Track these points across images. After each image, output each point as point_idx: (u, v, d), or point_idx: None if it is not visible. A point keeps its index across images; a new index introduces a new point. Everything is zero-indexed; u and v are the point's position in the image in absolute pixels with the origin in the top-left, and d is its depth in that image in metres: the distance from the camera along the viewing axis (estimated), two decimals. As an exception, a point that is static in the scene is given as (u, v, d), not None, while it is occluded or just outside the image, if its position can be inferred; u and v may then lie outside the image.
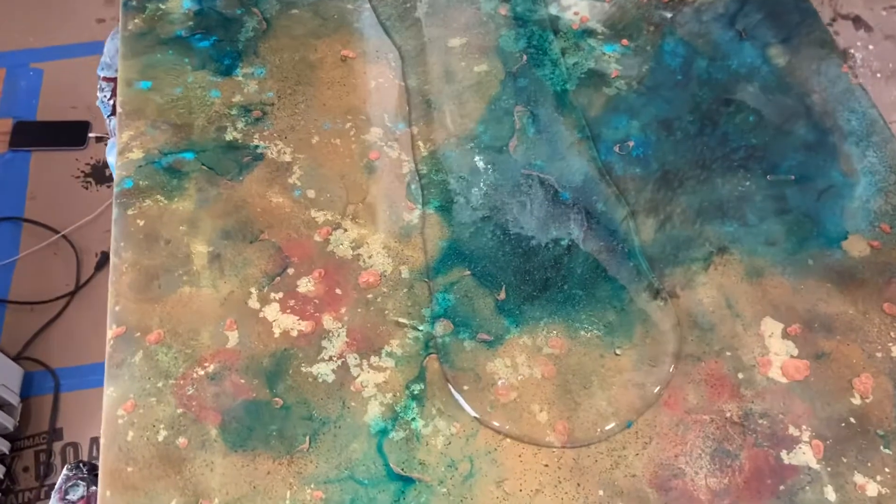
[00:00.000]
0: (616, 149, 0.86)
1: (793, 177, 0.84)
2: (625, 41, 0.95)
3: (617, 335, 0.73)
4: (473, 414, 0.68)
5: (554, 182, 0.83)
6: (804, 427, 0.69)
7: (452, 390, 0.70)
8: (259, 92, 0.89)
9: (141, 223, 0.78)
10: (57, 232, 1.93)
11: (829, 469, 0.67)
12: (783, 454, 0.68)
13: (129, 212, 0.79)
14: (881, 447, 0.68)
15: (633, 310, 0.75)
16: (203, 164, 0.82)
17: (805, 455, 0.68)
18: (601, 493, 0.66)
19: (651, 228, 0.81)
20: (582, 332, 0.73)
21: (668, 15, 0.97)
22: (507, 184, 0.83)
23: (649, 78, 0.92)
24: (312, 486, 0.65)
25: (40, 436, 1.83)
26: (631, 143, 0.87)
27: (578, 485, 0.66)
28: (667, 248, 0.79)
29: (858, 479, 0.67)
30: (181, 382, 0.69)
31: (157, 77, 0.89)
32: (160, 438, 0.66)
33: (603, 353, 0.72)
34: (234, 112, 0.87)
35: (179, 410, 0.68)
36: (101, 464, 0.66)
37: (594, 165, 0.85)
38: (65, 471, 0.82)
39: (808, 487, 0.66)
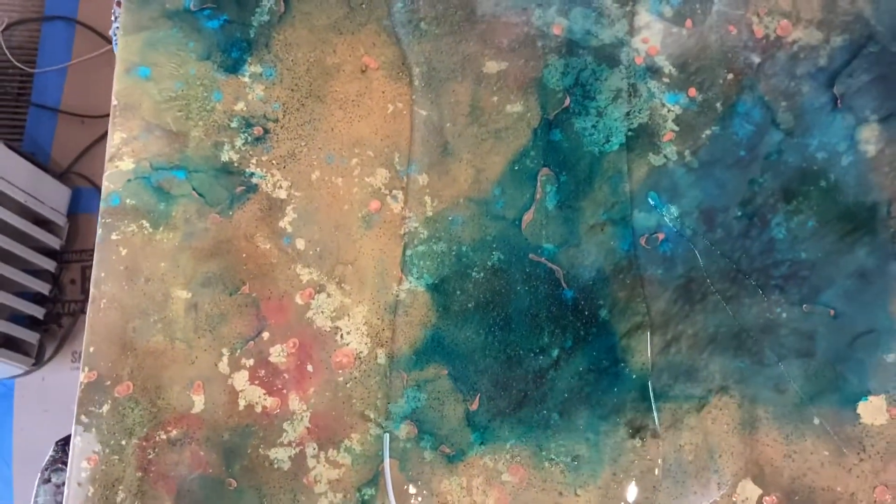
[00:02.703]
0: (642, 241, 0.77)
1: (832, 311, 0.75)
2: (692, 91, 0.80)
3: (583, 473, 0.71)
4: (413, 544, 0.69)
5: (561, 276, 0.75)
6: None
7: (399, 509, 0.70)
8: (265, 101, 0.80)
9: (124, 252, 0.75)
10: (110, 41, 1.89)
11: None
12: None
13: (114, 236, 0.76)
14: None
15: (607, 446, 0.72)
16: (194, 189, 0.77)
17: None
18: None
19: (653, 349, 0.74)
20: (546, 464, 0.71)
21: (756, 60, 0.81)
22: (510, 269, 0.76)
23: (707, 149, 0.79)
24: (252, 576, 0.68)
25: (87, 251, 1.94)
26: (661, 236, 0.77)
27: None
28: (664, 376, 0.74)
29: None
30: (143, 444, 0.71)
31: (158, 63, 0.80)
32: (118, 500, 0.70)
33: (562, 492, 0.71)
34: (234, 124, 0.79)
35: (139, 474, 0.70)
36: (63, 513, 0.70)
37: (611, 259, 0.76)
38: (51, 451, 0.88)
39: None
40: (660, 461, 0.71)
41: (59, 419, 1.80)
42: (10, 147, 1.72)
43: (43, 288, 1.80)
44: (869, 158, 0.79)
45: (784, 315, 0.75)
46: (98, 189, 1.95)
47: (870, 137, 0.79)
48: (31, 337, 1.76)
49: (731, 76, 0.81)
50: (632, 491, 0.70)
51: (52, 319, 1.87)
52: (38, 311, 1.78)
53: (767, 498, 0.71)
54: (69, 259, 1.92)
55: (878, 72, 0.81)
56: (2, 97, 2.02)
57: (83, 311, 1.88)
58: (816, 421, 0.72)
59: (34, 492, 0.88)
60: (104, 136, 1.99)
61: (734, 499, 0.71)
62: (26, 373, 1.78)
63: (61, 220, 1.88)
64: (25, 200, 1.71)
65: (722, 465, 0.71)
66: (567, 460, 0.71)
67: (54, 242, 1.84)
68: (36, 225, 1.76)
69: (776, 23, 0.82)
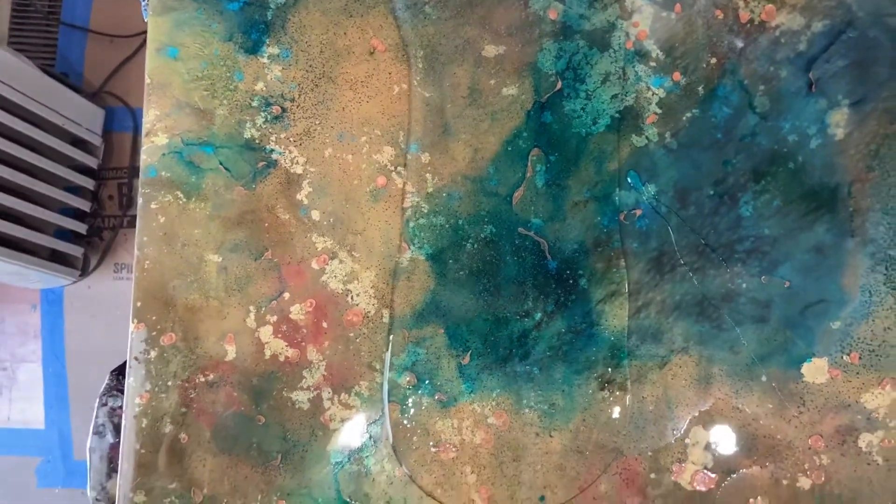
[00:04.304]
0: (621, 217, 0.86)
1: (788, 283, 0.84)
2: (677, 75, 0.87)
3: (557, 418, 0.83)
4: (406, 473, 0.82)
5: (546, 248, 0.85)
6: (688, 531, 0.82)
7: (392, 445, 0.83)
8: (282, 81, 0.88)
9: (162, 220, 0.86)
10: (135, -40, 1.95)
11: (693, 571, 0.82)
12: (661, 550, 0.82)
13: (153, 205, 0.86)
14: (746, 563, 0.81)
15: (577, 396, 0.83)
16: (221, 164, 0.87)
17: (679, 555, 0.82)
18: (501, 549, 0.82)
19: (624, 314, 0.84)
20: (526, 410, 0.83)
21: (740, 44, 0.87)
22: (501, 241, 0.85)
23: (686, 131, 0.86)
24: (278, 495, 0.83)
25: (122, 169, 2.06)
26: (638, 212, 0.86)
27: (485, 538, 0.82)
28: (633, 338, 0.84)
29: (714, 584, 0.81)
30: (186, 385, 0.84)
31: (184, 44, 0.88)
32: (167, 430, 0.84)
33: (539, 433, 0.83)
34: (255, 103, 0.87)
35: (183, 409, 0.84)
36: (122, 440, 0.84)
37: (591, 234, 0.85)
38: (107, 379, 1.02)
39: (669, 581, 0.82)
40: (627, 405, 0.83)
41: (104, 323, 1.99)
42: (45, 71, 1.81)
43: (83, 205, 1.93)
44: (837, 142, 0.85)
45: (744, 285, 0.84)
46: (130, 108, 2.05)
47: (840, 121, 0.85)
48: (75, 251, 1.91)
49: (714, 60, 0.87)
50: (599, 434, 0.83)
51: (94, 233, 2.01)
52: (80, 227, 1.92)
53: (714, 443, 0.82)
54: (106, 176, 2.04)
55: (854, 57, 0.86)
56: (32, 15, 2.08)
57: (122, 226, 2.02)
58: (764, 378, 0.83)
59: (94, 413, 1.03)
60: (133, 55, 2.07)
61: (686, 442, 0.83)
62: (73, 282, 1.94)
63: (97, 140, 1.98)
64: (63, 123, 1.82)
65: (678, 414, 0.83)
66: (544, 408, 0.83)
67: (91, 161, 1.95)
68: (73, 145, 1.87)
69: (761, 7, 0.87)
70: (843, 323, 0.83)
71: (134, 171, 2.05)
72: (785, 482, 0.82)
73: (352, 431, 0.84)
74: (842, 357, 0.83)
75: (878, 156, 0.85)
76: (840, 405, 0.82)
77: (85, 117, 1.92)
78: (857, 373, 0.83)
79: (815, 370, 0.83)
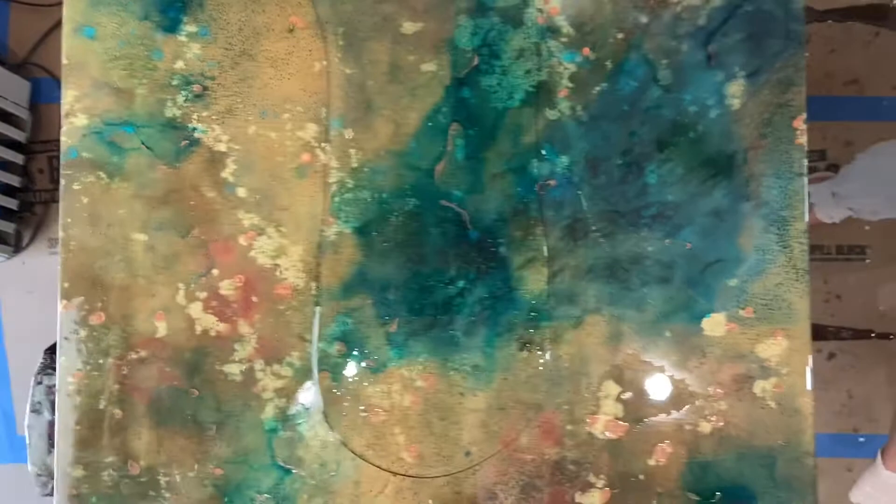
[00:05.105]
0: (537, 188, 0.90)
1: (689, 245, 0.91)
2: (586, 50, 0.91)
3: (480, 379, 0.89)
4: (337, 437, 0.87)
5: (467, 218, 0.89)
6: (601, 476, 0.89)
7: (324, 412, 0.87)
8: (201, 59, 0.88)
9: (85, 201, 0.87)
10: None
11: (607, 512, 0.89)
12: (577, 495, 0.89)
13: (75, 186, 0.87)
14: (654, 502, 0.89)
15: (499, 357, 0.89)
16: (143, 143, 0.87)
17: (594, 498, 0.89)
18: (430, 502, 0.88)
19: (542, 279, 0.90)
20: (451, 373, 0.88)
21: (644, 20, 0.91)
22: (424, 213, 0.89)
23: (596, 104, 0.91)
24: (214, 463, 0.86)
25: (52, 142, 2.01)
26: (552, 183, 0.90)
27: (415, 493, 0.88)
28: (550, 301, 0.90)
29: (626, 522, 0.89)
30: (118, 363, 0.86)
31: (101, 24, 0.88)
32: (101, 406, 0.86)
33: (463, 393, 0.88)
34: (175, 82, 0.88)
35: (116, 386, 0.86)
36: (57, 418, 0.86)
37: (509, 204, 0.90)
38: (41, 358, 1.02)
39: (585, 522, 0.89)
40: (545, 363, 0.89)
41: (41, 298, 1.95)
42: (-33, 47, 1.74)
43: (13, 180, 1.89)
44: (733, 111, 0.92)
45: (650, 248, 0.91)
46: (56, 79, 1.98)
47: (736, 92, 0.92)
48: (7, 227, 1.87)
49: (620, 36, 0.91)
50: (518, 391, 0.89)
51: (26, 208, 1.96)
52: (11, 203, 1.88)
53: (625, 394, 0.89)
54: (35, 150, 1.98)
55: (750, 30, 0.92)
56: (-51, -12, 1.98)
57: (54, 200, 1.97)
58: (668, 334, 0.90)
59: (30, 392, 1.04)
60: (58, 24, 1.99)
61: (598, 395, 0.89)
62: (7, 259, 1.90)
63: (24, 114, 1.92)
64: (-12, 98, 1.76)
65: (591, 370, 0.89)
66: (468, 369, 0.89)
67: (19, 136, 1.90)
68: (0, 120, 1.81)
69: (664, -16, 0.91)
70: (740, 280, 0.91)
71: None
72: (688, 427, 0.89)
73: (284, 400, 0.87)
74: (738, 312, 0.90)
75: (771, 124, 0.92)
76: (737, 356, 0.90)
77: (10, 90, 1.86)
78: (752, 325, 0.90)
79: (714, 324, 0.90)
